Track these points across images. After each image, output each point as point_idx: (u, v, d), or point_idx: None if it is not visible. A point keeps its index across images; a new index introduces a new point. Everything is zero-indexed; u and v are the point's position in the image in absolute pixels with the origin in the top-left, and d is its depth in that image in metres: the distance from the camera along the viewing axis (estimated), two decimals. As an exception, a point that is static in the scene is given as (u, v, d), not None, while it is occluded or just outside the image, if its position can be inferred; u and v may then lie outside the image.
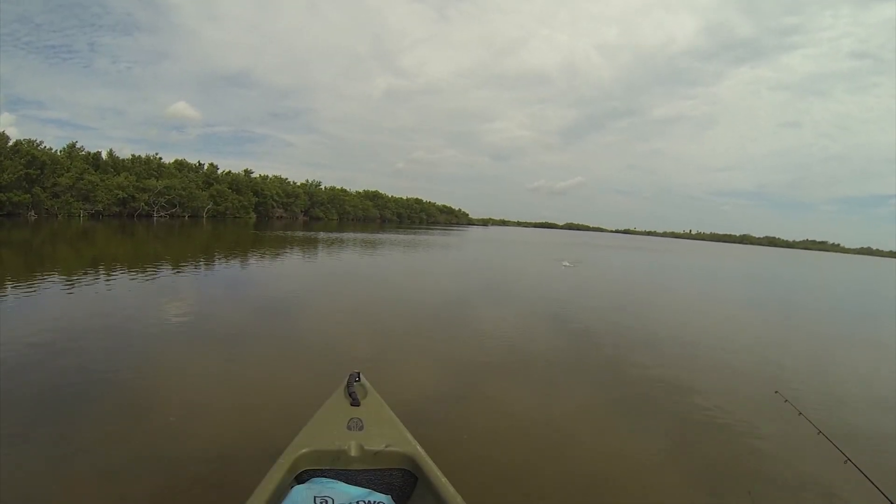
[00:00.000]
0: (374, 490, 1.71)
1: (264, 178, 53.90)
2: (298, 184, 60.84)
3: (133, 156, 40.75)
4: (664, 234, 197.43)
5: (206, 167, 47.33)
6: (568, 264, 18.42)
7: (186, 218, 39.19)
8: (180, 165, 44.26)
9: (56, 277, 8.73)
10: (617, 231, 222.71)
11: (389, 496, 1.67)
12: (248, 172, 51.81)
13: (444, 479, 1.65)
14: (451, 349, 5.57)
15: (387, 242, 25.67)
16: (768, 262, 40.20)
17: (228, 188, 45.55)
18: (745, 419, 3.82)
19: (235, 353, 4.88)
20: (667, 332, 7.48)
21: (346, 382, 2.28)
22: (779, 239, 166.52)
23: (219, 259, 13.44)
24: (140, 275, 9.42)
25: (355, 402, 2.11)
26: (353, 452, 1.79)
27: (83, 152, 36.32)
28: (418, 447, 1.85)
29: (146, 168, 39.42)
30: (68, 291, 7.39)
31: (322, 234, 28.93)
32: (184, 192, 38.93)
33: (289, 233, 28.64)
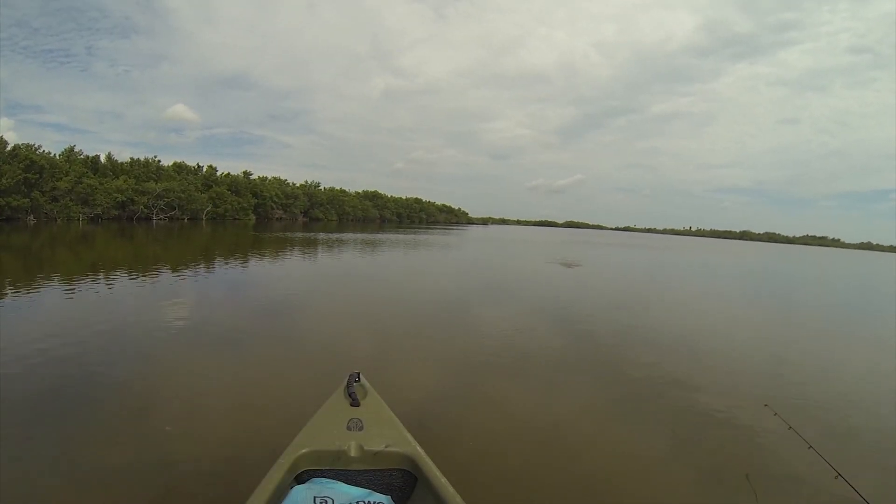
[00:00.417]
0: (374, 490, 1.71)
1: (263, 179, 53.93)
2: (297, 185, 60.87)
3: (132, 159, 40.80)
4: (664, 232, 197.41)
5: (204, 169, 47.34)
6: (568, 264, 18.28)
7: (186, 220, 39.20)
8: (179, 168, 44.24)
9: (56, 281, 8.73)
10: (617, 229, 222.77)
11: (389, 496, 1.67)
12: (247, 174, 51.84)
13: (443, 480, 1.65)
14: (450, 349, 5.57)
15: (386, 242, 25.67)
16: (769, 258, 40.20)
17: (227, 190, 45.56)
18: (734, 433, 3.66)
19: (235, 353, 4.88)
20: (667, 334, 7.46)
21: (345, 383, 2.28)
22: (778, 235, 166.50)
23: (219, 261, 13.44)
24: (140, 278, 9.42)
25: (355, 403, 2.11)
26: (353, 453, 1.79)
27: (82, 156, 36.33)
28: (418, 447, 1.85)
29: (145, 171, 39.41)
30: (68, 295, 7.38)
31: (322, 235, 28.92)
32: (183, 195, 38.92)
33: (288, 234, 28.64)
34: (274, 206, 52.84)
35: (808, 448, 2.16)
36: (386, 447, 1.83)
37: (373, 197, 77.37)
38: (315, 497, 1.55)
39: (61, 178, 30.89)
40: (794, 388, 4.96)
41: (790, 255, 49.68)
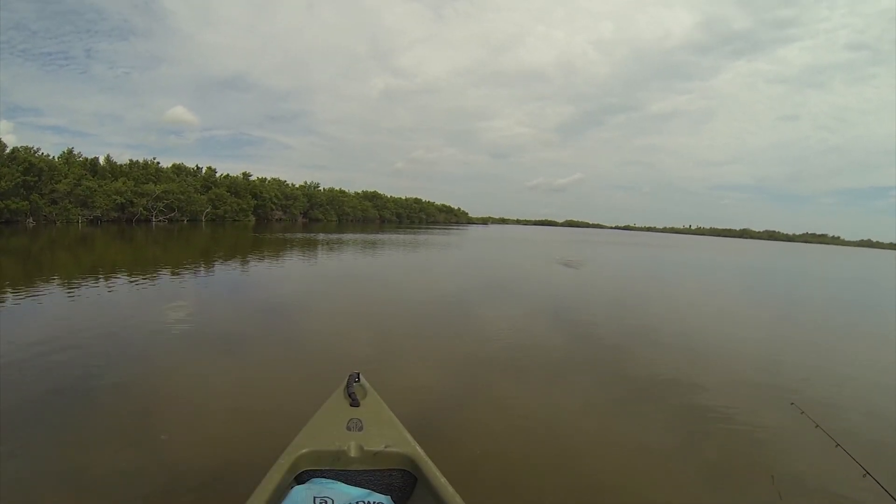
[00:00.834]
0: (374, 491, 1.71)
1: (262, 180, 53.92)
2: (297, 186, 60.89)
3: (131, 161, 40.82)
4: (664, 230, 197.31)
5: (204, 171, 47.37)
6: (568, 262, 18.17)
7: (185, 222, 39.20)
8: (178, 170, 44.25)
9: (55, 284, 8.73)
10: (617, 227, 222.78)
11: (389, 497, 1.67)
12: (246, 175, 51.83)
13: (443, 480, 1.65)
14: (450, 349, 5.56)
15: (386, 243, 25.66)
16: (771, 256, 40.13)
17: (227, 191, 45.56)
18: (759, 431, 3.61)
19: (235, 354, 4.88)
20: (676, 336, 7.43)
21: (345, 383, 2.28)
22: (778, 233, 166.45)
23: (218, 263, 13.44)
24: (140, 280, 9.41)
25: (355, 403, 2.11)
26: (353, 453, 1.79)
27: (80, 158, 36.33)
28: (418, 448, 1.85)
29: (144, 173, 39.41)
30: (68, 298, 7.38)
31: (321, 236, 28.92)
32: (182, 197, 38.93)
33: (288, 235, 28.64)
34: (273, 207, 52.83)
35: (836, 446, 2.14)
36: (386, 447, 1.83)
37: (372, 197, 77.38)
38: (315, 497, 1.55)
39: (60, 181, 30.89)
40: (819, 386, 4.94)
41: (793, 253, 49.60)
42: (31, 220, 29.10)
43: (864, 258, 51.22)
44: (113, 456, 2.77)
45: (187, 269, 11.62)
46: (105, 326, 5.70)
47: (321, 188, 65.06)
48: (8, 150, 29.50)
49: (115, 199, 33.79)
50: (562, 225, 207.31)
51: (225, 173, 49.59)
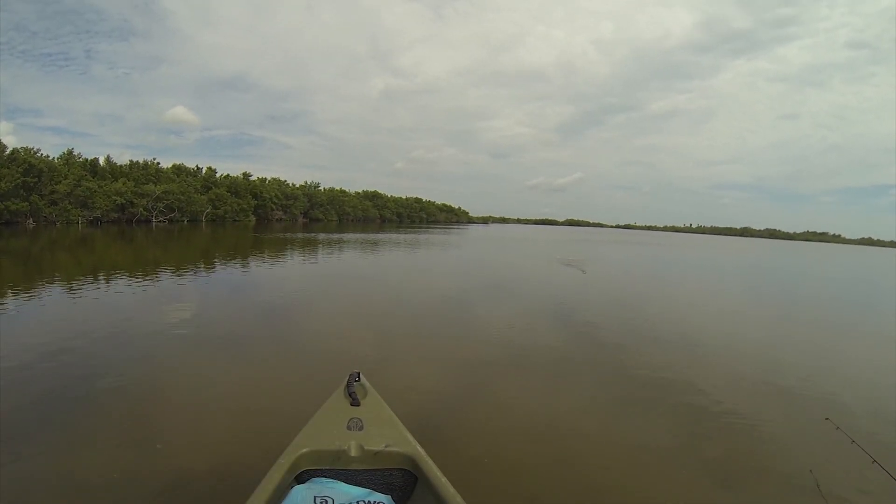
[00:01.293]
0: (374, 490, 1.70)
1: (263, 180, 53.93)
2: (297, 186, 60.88)
3: (131, 161, 40.90)
4: (664, 229, 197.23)
5: (204, 171, 47.38)
6: (571, 263, 17.82)
7: (185, 222, 39.21)
8: (178, 170, 44.27)
9: (56, 285, 8.74)
10: (617, 227, 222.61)
11: (389, 496, 1.66)
12: (246, 175, 51.85)
13: (444, 479, 1.65)
14: (451, 349, 5.56)
15: (386, 243, 25.66)
16: (773, 254, 40.07)
17: (227, 192, 45.56)
18: (792, 445, 3.45)
19: (235, 354, 4.88)
20: (677, 336, 7.38)
21: (346, 382, 2.27)
22: (779, 231, 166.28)
23: (219, 263, 13.44)
24: (140, 281, 9.41)
25: (355, 402, 2.11)
26: (353, 452, 1.79)
27: (80, 159, 36.35)
28: (418, 447, 1.85)
29: (144, 173, 39.44)
30: (68, 299, 7.38)
31: (322, 236, 28.93)
32: (182, 197, 38.96)
33: (288, 235, 28.65)
34: (274, 207, 52.84)
35: (872, 462, 2.11)
36: (386, 447, 1.82)
37: (373, 197, 77.37)
38: (315, 497, 1.55)
39: (60, 182, 30.91)
40: (820, 386, 4.88)
41: (794, 252, 49.44)
42: (30, 221, 29.12)
43: (865, 257, 51.14)
44: (113, 456, 2.77)
45: (188, 269, 11.62)
46: (105, 327, 5.70)
47: (321, 188, 65.12)
48: (7, 152, 29.52)
49: (116, 200, 33.81)
50: (562, 224, 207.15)
51: (225, 173, 49.70)
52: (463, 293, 9.97)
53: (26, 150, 31.19)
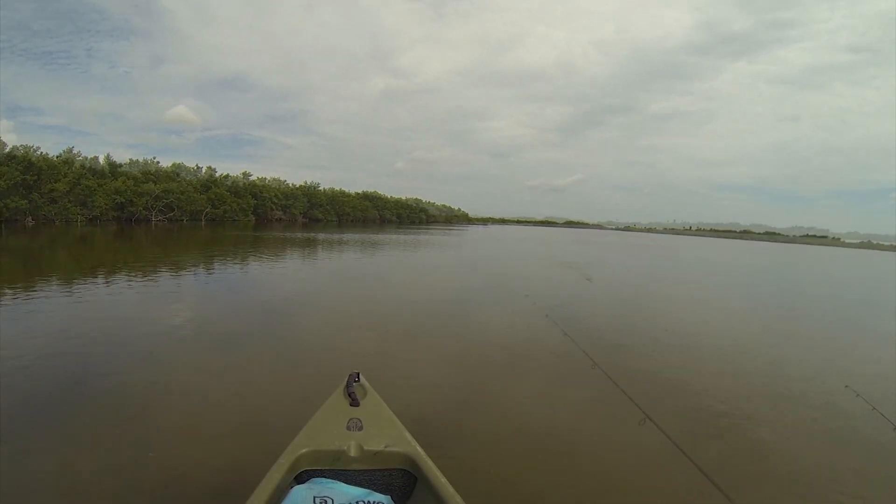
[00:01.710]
0: (374, 490, 1.70)
1: (262, 180, 53.96)
2: (297, 186, 60.89)
3: (130, 160, 40.94)
4: (664, 231, 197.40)
5: (203, 170, 47.41)
6: (572, 267, 17.70)
7: (185, 222, 39.18)
8: (178, 169, 44.27)
9: (55, 284, 8.72)
10: (617, 228, 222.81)
11: (389, 496, 1.66)
12: (246, 175, 51.92)
13: (443, 479, 1.65)
14: (450, 349, 5.56)
15: (386, 243, 25.65)
16: (779, 257, 39.83)
17: (227, 191, 45.55)
18: (760, 431, 3.60)
19: (235, 354, 4.87)
20: (677, 336, 7.42)
21: (345, 383, 2.27)
22: (779, 234, 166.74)
23: (218, 262, 13.43)
24: (139, 279, 9.40)
25: (355, 403, 2.11)
26: (353, 452, 1.79)
27: (80, 157, 36.37)
28: (418, 447, 1.85)
29: (144, 172, 39.43)
30: (67, 298, 7.37)
31: (322, 236, 28.91)
32: (182, 196, 38.93)
33: (288, 235, 28.63)
34: (273, 207, 52.82)
35: (894, 430, 2.17)
36: (386, 447, 1.82)
37: (372, 197, 77.33)
38: (315, 497, 1.55)
39: (59, 180, 30.89)
40: (822, 385, 4.92)
41: (795, 255, 49.43)
42: (30, 220, 29.09)
43: (866, 260, 51.12)
44: (112, 456, 2.77)
45: (187, 268, 11.61)
46: (105, 327, 5.69)
47: (321, 188, 65.09)
48: (7, 150, 29.52)
49: (115, 199, 33.80)
50: (562, 225, 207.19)
51: (225, 173, 49.72)
52: (462, 293, 9.97)
53: (25, 148, 31.20)
